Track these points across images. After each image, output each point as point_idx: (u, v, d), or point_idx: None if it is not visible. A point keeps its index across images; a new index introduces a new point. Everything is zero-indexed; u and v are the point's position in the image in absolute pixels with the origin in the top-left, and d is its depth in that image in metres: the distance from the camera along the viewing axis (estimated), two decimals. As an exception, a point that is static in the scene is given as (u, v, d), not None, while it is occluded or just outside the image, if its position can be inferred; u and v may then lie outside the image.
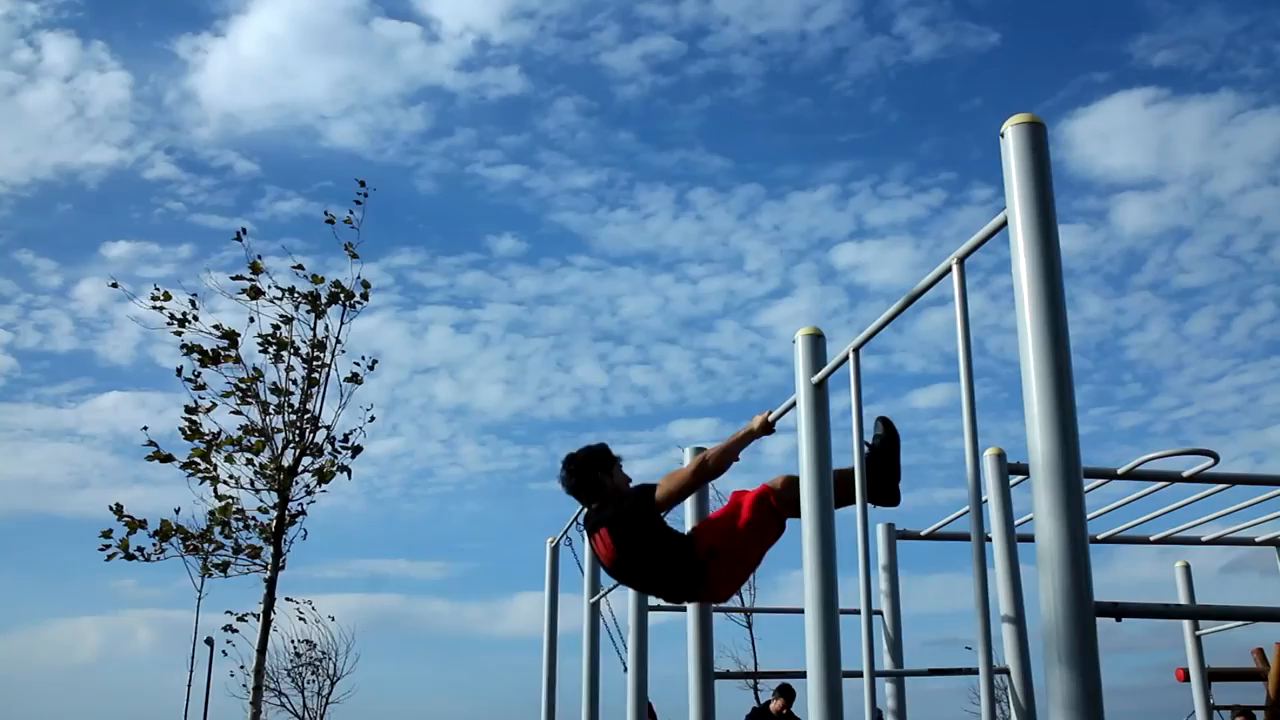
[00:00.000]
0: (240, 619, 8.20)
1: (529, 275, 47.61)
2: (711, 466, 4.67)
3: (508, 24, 47.64)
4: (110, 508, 7.68)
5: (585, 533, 5.04)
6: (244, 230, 8.28)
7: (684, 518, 5.37)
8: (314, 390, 8.10)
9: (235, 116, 47.22)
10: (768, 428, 4.77)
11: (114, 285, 8.49)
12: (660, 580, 4.70)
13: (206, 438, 7.83)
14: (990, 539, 5.75)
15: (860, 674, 3.63)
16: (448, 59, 47.87)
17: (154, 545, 7.72)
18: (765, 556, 4.83)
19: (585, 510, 4.96)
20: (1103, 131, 45.69)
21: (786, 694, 11.08)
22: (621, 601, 7.30)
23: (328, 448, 8.12)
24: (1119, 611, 2.50)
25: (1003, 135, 2.87)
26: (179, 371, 7.96)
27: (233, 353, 8.01)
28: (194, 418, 7.79)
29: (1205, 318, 45.18)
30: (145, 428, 7.89)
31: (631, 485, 4.85)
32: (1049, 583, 2.44)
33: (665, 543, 4.63)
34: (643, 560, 4.63)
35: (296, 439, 7.95)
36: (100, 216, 48.47)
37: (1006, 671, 5.72)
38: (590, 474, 4.82)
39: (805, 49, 46.75)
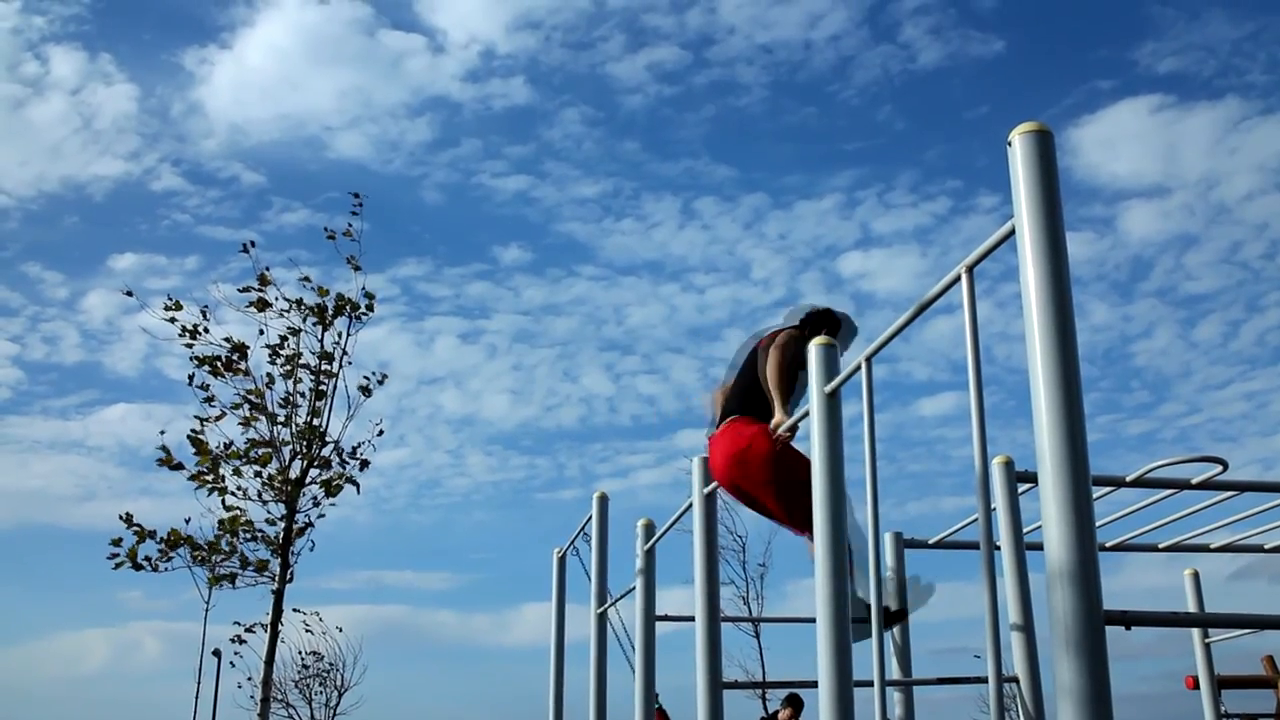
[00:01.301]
0: (248, 630, 8.21)
1: (535, 285, 47.73)
2: (774, 369, 4.74)
3: (513, 34, 47.86)
4: (120, 517, 7.70)
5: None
6: (252, 243, 8.30)
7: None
8: (321, 403, 8.11)
9: (241, 128, 47.48)
10: (776, 428, 4.78)
11: (129, 294, 8.51)
12: (749, 384, 4.88)
13: (215, 451, 7.84)
14: (999, 547, 5.74)
15: (871, 683, 3.63)
16: (453, 70, 48.09)
17: (161, 555, 7.73)
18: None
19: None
20: (1109, 139, 45.76)
21: (795, 704, 11.06)
22: (629, 611, 7.31)
23: (335, 460, 8.14)
24: (1128, 619, 2.50)
25: (1010, 144, 2.88)
26: (190, 379, 7.98)
27: (242, 365, 8.03)
28: (201, 436, 7.81)
29: (1213, 324, 45.17)
30: (162, 431, 7.92)
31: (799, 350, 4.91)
32: (1058, 590, 2.44)
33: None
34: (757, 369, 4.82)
35: (304, 451, 7.96)
36: (107, 229, 48.70)
37: (1016, 680, 5.71)
38: (823, 323, 5.00)
39: (810, 58, 46.89)
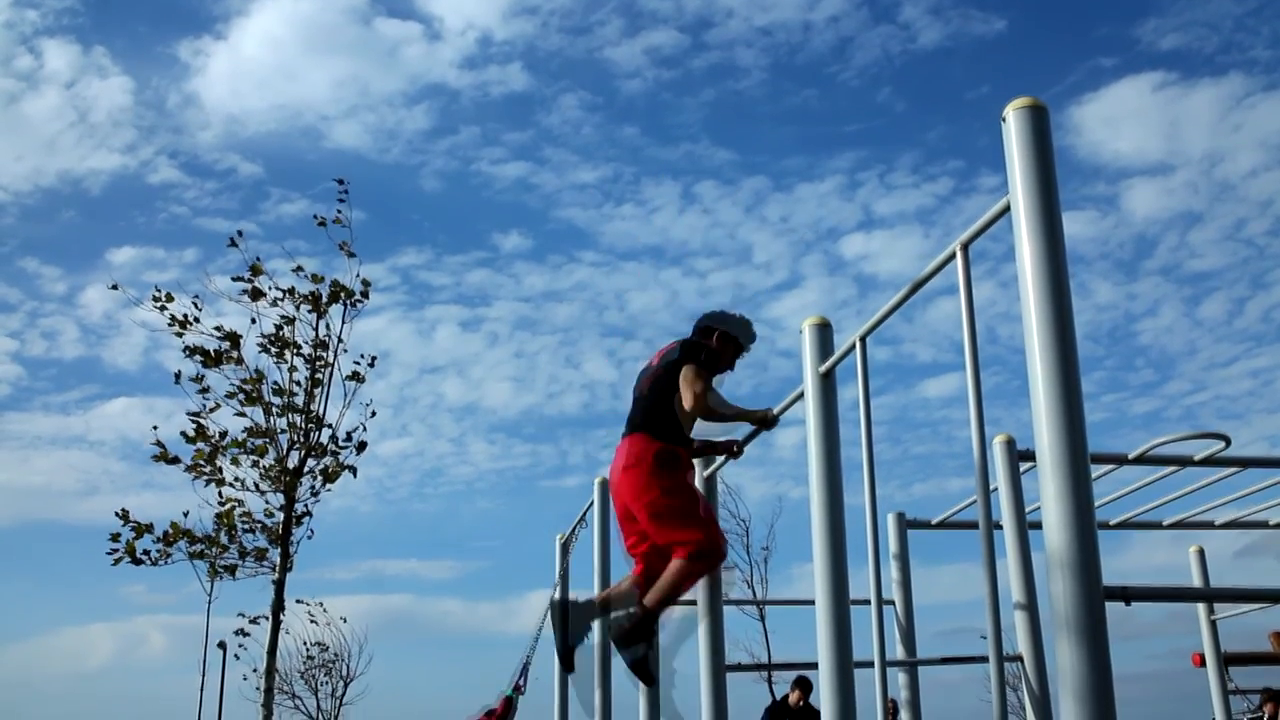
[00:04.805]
0: (252, 621, 8.20)
1: (536, 272, 47.58)
2: (700, 410, 4.78)
3: (510, 20, 47.59)
4: (116, 513, 7.70)
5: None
6: (240, 233, 8.27)
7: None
8: (317, 390, 8.09)
9: (238, 119, 47.22)
10: (768, 421, 4.78)
11: (114, 288, 8.48)
12: (649, 403, 4.89)
13: (212, 439, 7.83)
14: (1001, 527, 5.71)
15: (872, 664, 3.61)
16: (450, 57, 47.80)
17: (160, 549, 7.72)
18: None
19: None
20: (1111, 117, 45.48)
21: (804, 686, 11.07)
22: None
23: (332, 447, 8.11)
24: (1128, 595, 2.47)
25: (1004, 119, 2.85)
26: (177, 377, 7.96)
27: (235, 354, 8.01)
28: (199, 420, 7.80)
29: (1217, 302, 44.95)
30: (155, 427, 7.89)
31: (709, 362, 4.97)
32: (1057, 567, 2.42)
33: (667, 406, 4.82)
34: (660, 386, 4.87)
35: (301, 440, 7.95)
36: (104, 222, 48.52)
37: (1020, 659, 5.69)
38: (721, 323, 5.11)
39: (810, 40, 46.59)
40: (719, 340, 5.04)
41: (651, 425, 4.79)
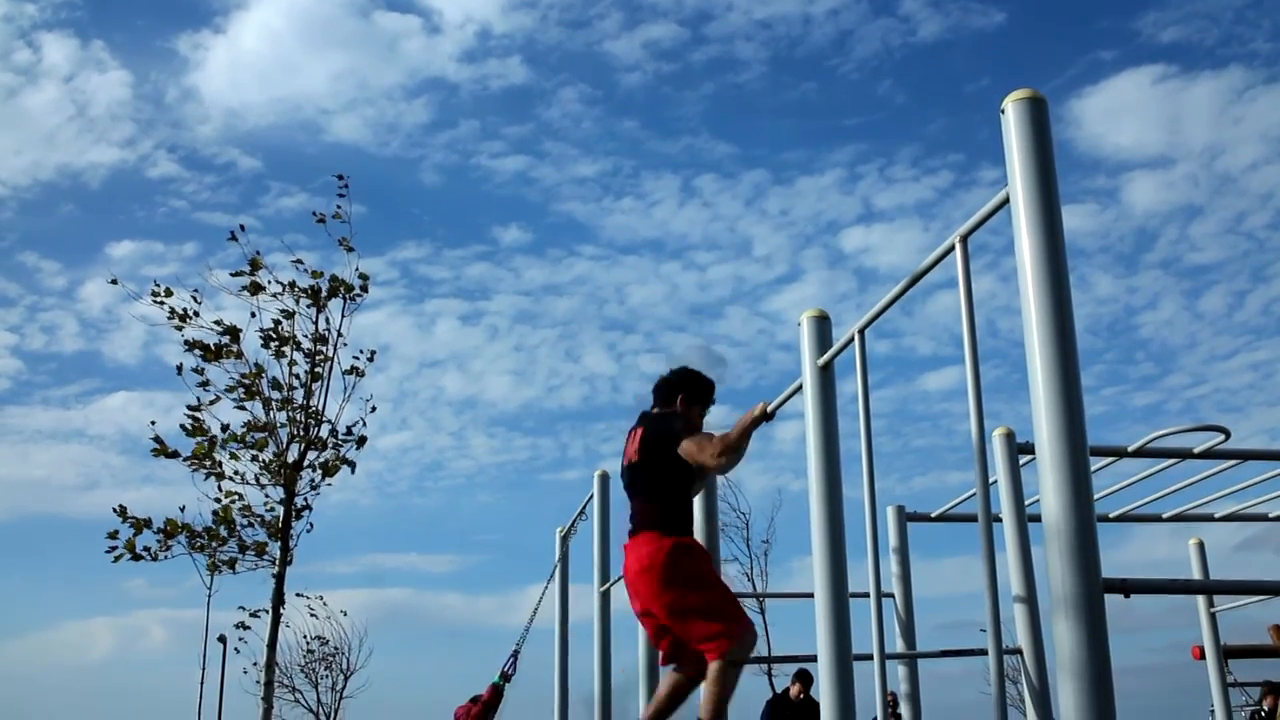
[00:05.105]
0: (252, 615, 8.20)
1: (535, 266, 47.52)
2: (731, 457, 4.60)
3: (509, 13, 47.50)
4: (114, 510, 7.69)
5: (632, 426, 5.01)
6: (241, 227, 8.25)
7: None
8: (316, 385, 8.08)
9: (237, 113, 47.18)
10: (767, 415, 4.75)
11: (113, 282, 8.45)
12: (648, 499, 4.73)
13: (210, 434, 7.82)
14: (1001, 519, 5.72)
15: (871, 657, 3.62)
16: (449, 50, 47.72)
17: (159, 544, 7.71)
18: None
19: (649, 409, 5.04)
20: (1111, 110, 45.41)
21: (804, 679, 11.09)
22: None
23: (332, 441, 8.11)
24: (1127, 587, 2.47)
25: (1003, 111, 2.84)
26: (179, 370, 7.96)
27: (235, 348, 8.00)
28: (196, 415, 7.79)
29: (1218, 295, 44.91)
30: (153, 422, 7.88)
31: (694, 428, 4.82)
32: (1056, 560, 2.42)
33: (676, 483, 4.68)
34: (651, 476, 4.71)
35: (301, 434, 7.94)
36: (104, 216, 48.44)
37: (1019, 652, 5.70)
38: (679, 389, 4.92)
39: (809, 32, 46.52)
40: (683, 403, 4.89)
41: (656, 521, 4.62)
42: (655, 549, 4.53)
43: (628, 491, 4.87)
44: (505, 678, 7.49)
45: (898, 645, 7.24)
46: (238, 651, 8.94)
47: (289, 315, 8.11)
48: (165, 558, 7.73)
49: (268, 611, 7.81)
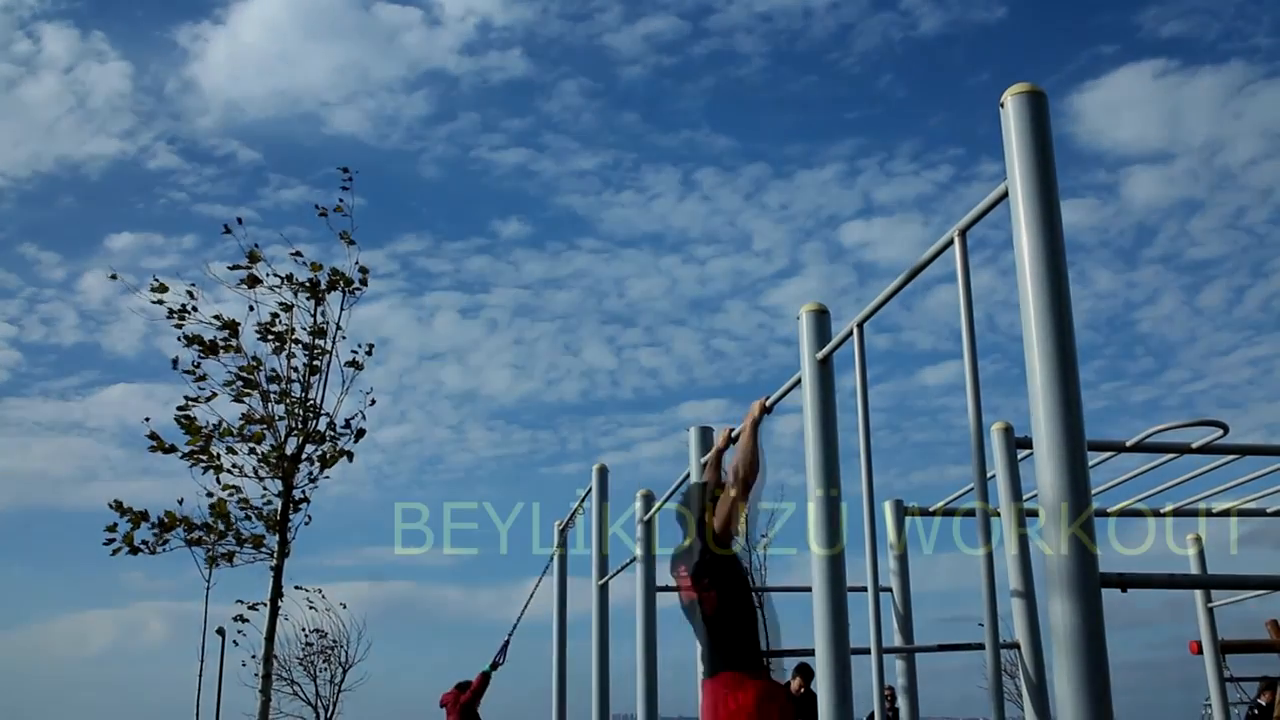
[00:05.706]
0: (251, 608, 8.20)
1: (535, 259, 47.64)
2: (748, 478, 4.57)
3: (510, 6, 47.58)
4: (110, 504, 7.69)
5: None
6: (239, 220, 8.23)
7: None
8: (315, 378, 8.07)
9: (237, 105, 47.31)
10: (766, 409, 4.74)
11: (113, 277, 8.44)
12: (722, 644, 4.54)
13: (205, 429, 7.82)
14: (999, 514, 5.72)
15: (869, 651, 3.62)
16: (450, 43, 47.83)
17: (155, 538, 7.71)
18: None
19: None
20: (1112, 104, 45.49)
21: (805, 673, 11.12)
22: (630, 583, 7.29)
23: (330, 434, 8.11)
24: (1124, 582, 2.47)
25: (1002, 105, 2.84)
26: (174, 363, 7.95)
27: (233, 342, 7.99)
28: (189, 414, 7.78)
29: (1217, 290, 45.03)
30: (147, 419, 7.88)
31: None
32: (1053, 554, 2.42)
33: (737, 628, 4.53)
34: (719, 621, 4.54)
35: (299, 427, 7.93)
36: (103, 208, 48.57)
37: (1017, 646, 5.70)
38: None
39: (810, 26, 46.59)
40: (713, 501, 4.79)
41: (736, 659, 4.44)
42: (744, 696, 4.34)
43: (693, 624, 4.76)
44: (494, 665, 7.51)
45: (895, 639, 7.25)
46: (236, 644, 8.95)
47: (287, 308, 8.10)
48: (163, 551, 7.73)
49: (266, 604, 7.81)
